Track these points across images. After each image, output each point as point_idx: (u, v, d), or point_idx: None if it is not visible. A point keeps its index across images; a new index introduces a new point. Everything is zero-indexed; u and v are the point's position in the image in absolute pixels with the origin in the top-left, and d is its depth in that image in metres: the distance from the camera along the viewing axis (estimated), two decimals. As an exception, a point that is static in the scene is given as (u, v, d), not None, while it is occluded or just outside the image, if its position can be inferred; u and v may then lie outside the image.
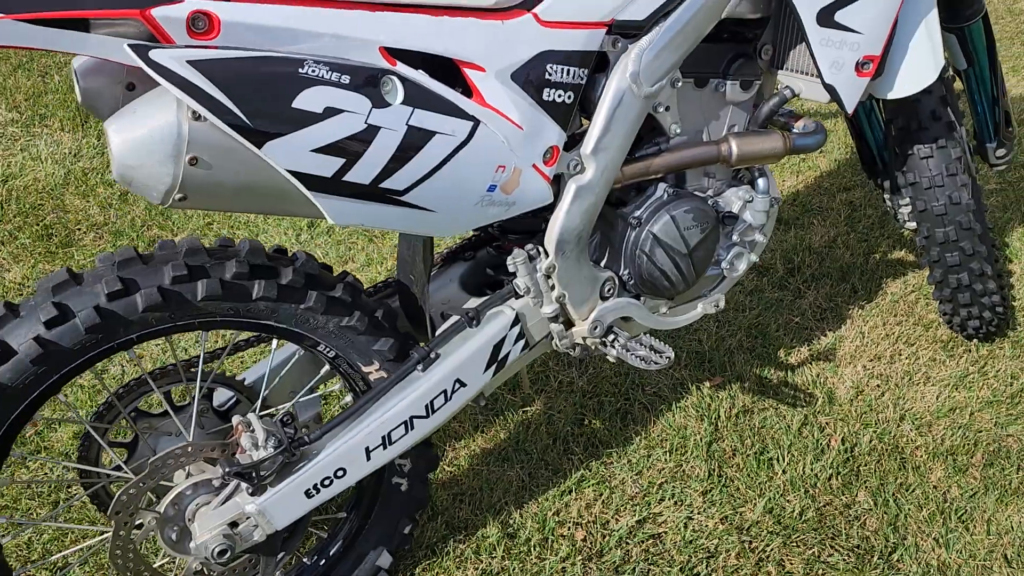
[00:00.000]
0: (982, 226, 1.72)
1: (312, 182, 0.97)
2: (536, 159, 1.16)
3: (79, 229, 2.25)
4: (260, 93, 0.91)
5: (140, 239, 2.20)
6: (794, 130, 1.41)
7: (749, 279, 2.13)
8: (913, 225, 1.76)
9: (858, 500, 1.64)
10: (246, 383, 1.37)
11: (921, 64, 1.40)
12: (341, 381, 1.32)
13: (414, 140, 1.03)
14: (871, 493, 1.65)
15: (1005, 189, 2.44)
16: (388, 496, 1.40)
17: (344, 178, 0.99)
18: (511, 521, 1.59)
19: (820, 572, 1.52)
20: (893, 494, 1.64)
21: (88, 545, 1.45)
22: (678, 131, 1.32)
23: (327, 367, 1.32)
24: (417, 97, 1.03)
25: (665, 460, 1.70)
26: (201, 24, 0.91)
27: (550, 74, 1.13)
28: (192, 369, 1.30)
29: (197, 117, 0.91)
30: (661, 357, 1.31)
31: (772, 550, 1.55)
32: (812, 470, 1.68)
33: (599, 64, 1.20)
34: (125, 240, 2.21)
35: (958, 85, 1.81)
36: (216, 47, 0.91)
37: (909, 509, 1.62)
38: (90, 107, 1.08)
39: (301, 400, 1.37)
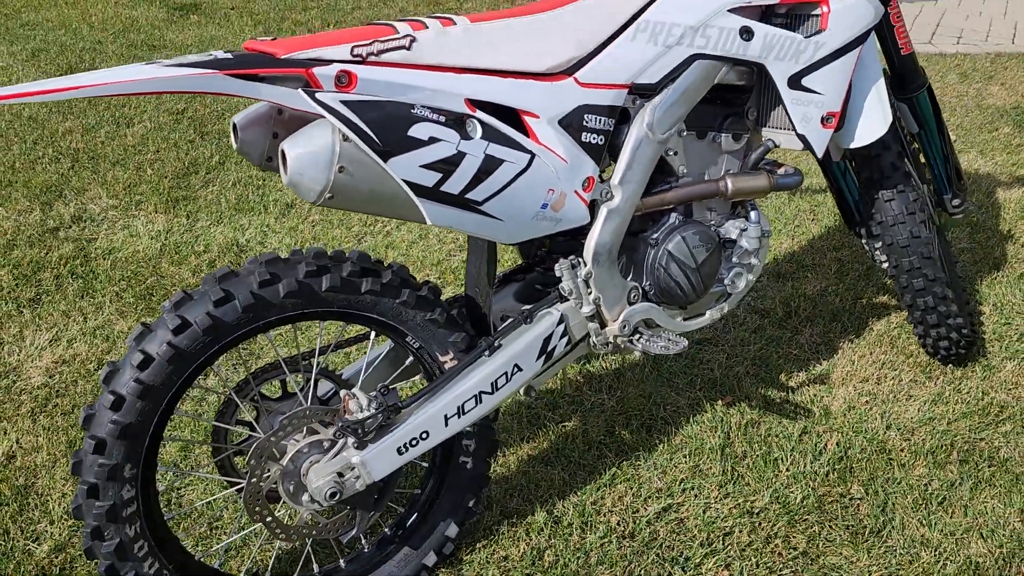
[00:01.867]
0: (945, 264, 2.06)
1: (418, 189, 1.33)
2: (576, 186, 1.53)
3: (175, 289, 2.61)
4: (388, 124, 1.28)
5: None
6: (778, 172, 1.77)
7: (752, 319, 2.46)
8: (886, 261, 2.10)
9: (852, 491, 1.91)
10: (343, 378, 1.69)
11: (873, 119, 1.79)
12: (422, 371, 1.64)
13: (490, 164, 1.39)
14: (863, 485, 1.92)
15: (975, 248, 2.78)
16: (456, 473, 1.69)
17: (441, 188, 1.35)
18: (555, 510, 1.87)
19: (821, 546, 1.78)
20: (882, 485, 1.91)
21: (217, 497, 1.74)
22: (685, 172, 1.69)
23: (410, 359, 1.64)
24: (491, 134, 1.40)
25: (685, 462, 1.99)
26: (344, 79, 1.30)
27: (587, 122, 1.51)
28: (305, 361, 1.63)
29: (345, 139, 1.28)
30: (677, 344, 1.64)
31: (779, 529, 1.81)
32: (812, 468, 1.96)
33: (622, 117, 1.58)
34: (214, 296, 2.57)
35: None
36: (355, 94, 1.29)
37: (896, 497, 1.89)
38: (245, 153, 1.46)
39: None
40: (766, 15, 1.67)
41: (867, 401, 2.15)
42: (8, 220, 2.97)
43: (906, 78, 2.01)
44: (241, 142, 1.45)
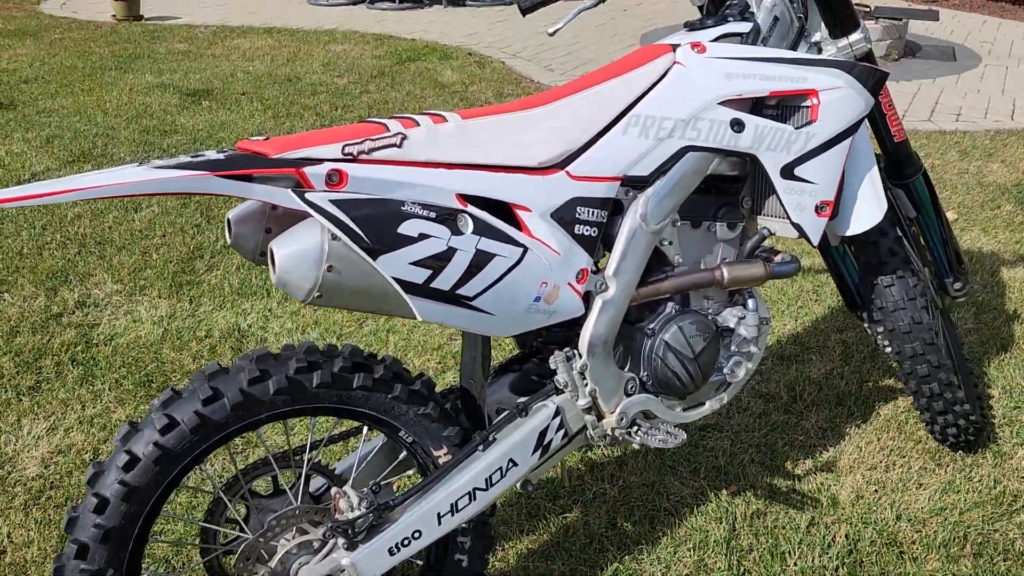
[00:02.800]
0: (950, 346, 2.03)
1: (408, 287, 1.33)
2: (570, 278, 1.52)
3: (174, 375, 2.60)
4: (377, 222, 1.29)
5: (226, 382, 2.54)
6: (774, 260, 1.76)
7: (756, 404, 2.42)
8: (889, 346, 2.07)
9: (864, 587, 1.84)
10: (336, 472, 1.66)
11: (868, 207, 1.79)
12: (415, 465, 1.61)
13: (481, 259, 1.39)
14: (875, 580, 1.85)
15: (981, 328, 2.75)
16: (451, 571, 1.64)
17: (431, 285, 1.35)
18: (555, 607, 1.81)
19: (833, 647, 1.71)
20: (894, 580, 1.85)
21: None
22: (680, 261, 1.69)
23: (403, 454, 1.61)
24: (483, 229, 1.40)
25: (690, 556, 1.93)
26: (335, 178, 1.31)
27: (579, 214, 1.51)
28: (297, 456, 1.60)
29: (334, 238, 1.28)
30: (676, 438, 1.60)
31: (788, 628, 1.75)
32: (820, 562, 1.90)
33: (616, 208, 1.59)
34: (213, 383, 2.55)
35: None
36: (345, 192, 1.30)
37: (910, 593, 1.82)
38: (238, 247, 1.46)
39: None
40: (756, 107, 1.69)
41: (876, 490, 2.10)
42: (13, 307, 2.99)
43: (901, 164, 2.01)
44: (235, 236, 1.45)
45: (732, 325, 1.76)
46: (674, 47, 1.63)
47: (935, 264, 2.16)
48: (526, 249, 1.45)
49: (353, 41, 7.28)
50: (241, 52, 6.84)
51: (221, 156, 1.28)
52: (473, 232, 1.39)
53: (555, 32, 1.96)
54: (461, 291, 1.38)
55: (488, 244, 1.40)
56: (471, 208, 1.41)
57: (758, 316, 1.76)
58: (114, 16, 8.07)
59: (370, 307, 1.36)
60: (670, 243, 1.66)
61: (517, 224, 1.47)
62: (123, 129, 4.89)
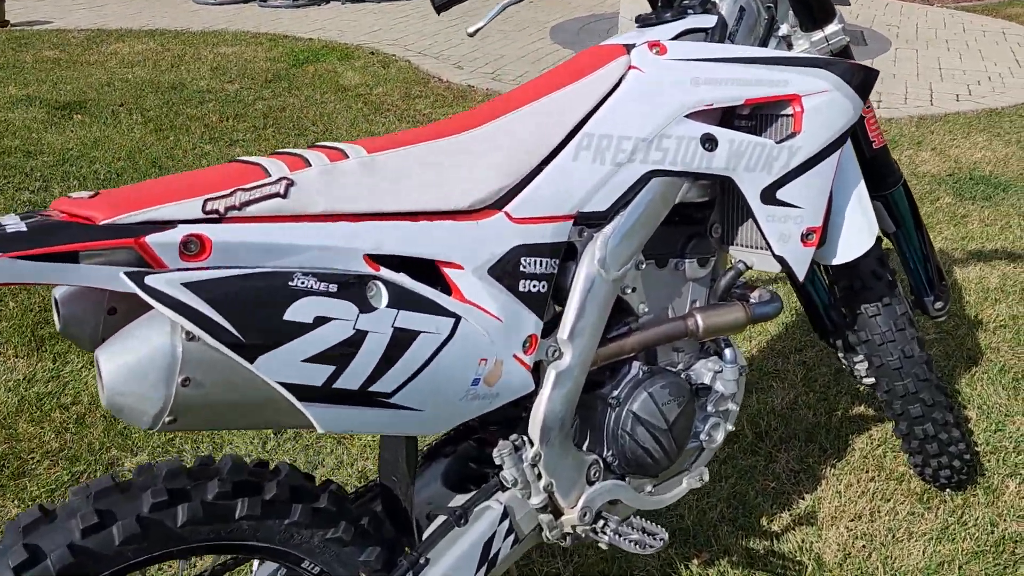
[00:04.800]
0: (936, 376, 1.79)
1: (302, 392, 0.97)
2: (516, 349, 1.19)
3: (32, 458, 2.15)
4: (253, 308, 0.93)
5: (98, 463, 2.12)
6: (752, 300, 1.47)
7: (721, 448, 2.14)
8: (871, 380, 1.82)
9: (868, 671, 1.58)
10: (224, 610, 1.28)
11: (858, 231, 1.52)
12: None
13: (400, 341, 1.05)
14: (880, 662, 1.59)
15: (945, 338, 2.55)
16: None
17: (334, 385, 0.99)
18: None
19: None
20: (902, 660, 1.59)
21: None
22: (646, 310, 1.37)
23: (312, 584, 1.25)
24: (401, 299, 1.05)
25: (665, 648, 1.63)
26: (193, 247, 0.94)
27: (524, 266, 1.18)
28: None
29: (191, 337, 0.91)
30: (655, 539, 1.29)
31: None
32: (816, 643, 1.62)
33: (568, 253, 1.26)
34: (82, 466, 2.12)
35: (887, 245, 1.94)
36: (209, 267, 0.93)
37: (921, 675, 1.56)
38: (71, 336, 1.07)
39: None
40: (727, 119, 1.39)
41: (864, 545, 1.84)
42: None
43: (881, 174, 1.75)
44: (64, 322, 1.06)
45: (707, 381, 1.46)
46: (628, 48, 1.31)
47: (913, 282, 1.91)
48: (458, 319, 1.11)
49: (244, 42, 6.75)
50: (120, 58, 6.24)
51: (24, 226, 0.90)
52: (388, 305, 1.04)
53: (475, 32, 1.62)
54: (375, 388, 1.03)
55: (409, 319, 1.06)
56: (384, 272, 1.06)
57: (737, 368, 1.46)
58: (-27, 22, 7.31)
59: (247, 423, 1.00)
60: (633, 290, 1.35)
61: (446, 287, 1.13)
62: (-22, 151, 4.30)
